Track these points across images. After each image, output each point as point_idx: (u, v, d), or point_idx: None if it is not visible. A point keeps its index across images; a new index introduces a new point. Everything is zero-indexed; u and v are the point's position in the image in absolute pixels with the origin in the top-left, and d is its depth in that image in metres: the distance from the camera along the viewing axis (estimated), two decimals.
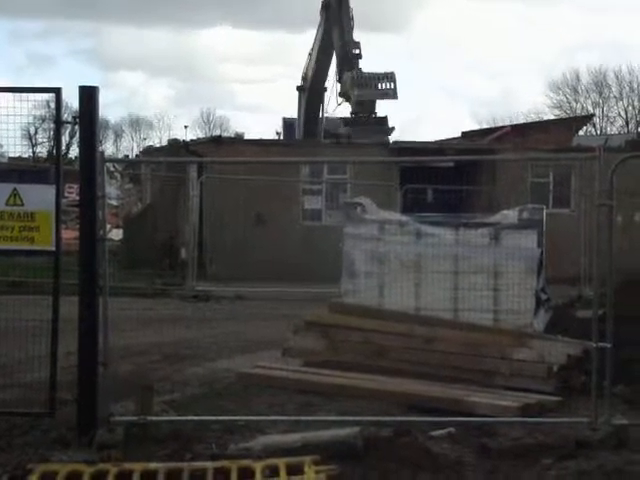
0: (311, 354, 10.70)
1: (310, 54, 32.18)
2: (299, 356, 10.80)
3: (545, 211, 12.24)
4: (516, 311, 11.42)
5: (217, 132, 65.51)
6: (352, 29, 29.42)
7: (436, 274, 11.80)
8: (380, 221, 12.30)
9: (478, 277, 11.87)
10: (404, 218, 12.67)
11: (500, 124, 45.77)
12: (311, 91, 31.34)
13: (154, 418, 7.93)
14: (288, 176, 23.64)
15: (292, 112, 34.03)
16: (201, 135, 68.05)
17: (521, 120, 56.40)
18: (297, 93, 32.56)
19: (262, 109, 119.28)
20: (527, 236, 11.81)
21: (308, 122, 30.65)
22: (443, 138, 30.46)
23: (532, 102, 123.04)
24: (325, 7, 30.71)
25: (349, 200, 16.34)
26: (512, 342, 10.05)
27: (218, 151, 23.50)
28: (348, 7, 29.85)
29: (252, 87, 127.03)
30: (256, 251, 23.39)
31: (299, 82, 32.88)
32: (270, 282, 20.74)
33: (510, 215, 12.14)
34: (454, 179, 22.86)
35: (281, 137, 36.78)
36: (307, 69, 32.06)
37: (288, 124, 34.68)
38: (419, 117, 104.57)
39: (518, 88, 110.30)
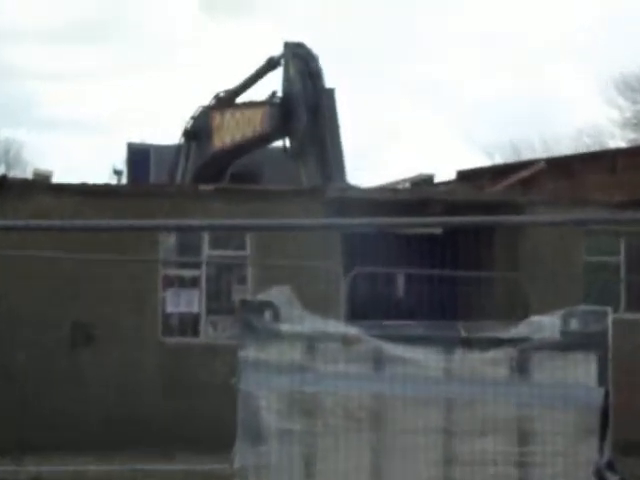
0: None
1: (211, 110, 22.05)
2: None
3: (611, 317, 8.77)
4: None
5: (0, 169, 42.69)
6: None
7: (411, 435, 8.45)
8: (308, 336, 8.79)
9: (488, 440, 8.45)
10: (352, 330, 9.00)
11: (525, 157, 33.47)
12: (219, 155, 22.21)
13: None
14: (137, 253, 16.77)
15: (142, 133, 25.74)
16: None
17: (565, 149, 38.52)
18: (181, 137, 22.65)
19: (84, 126, 69.06)
20: (579, 364, 8.40)
21: (199, 178, 21.59)
22: (415, 174, 22.44)
23: (583, 116, 72.49)
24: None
25: (250, 297, 12.21)
26: None
27: (1, 205, 16.80)
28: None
29: (61, 87, 73.42)
30: (78, 395, 16.24)
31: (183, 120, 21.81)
32: (103, 453, 14.71)
33: (546, 324, 8.62)
34: (443, 257, 16.69)
35: (123, 178, 25.60)
36: (213, 130, 22.06)
37: (135, 154, 24.98)
38: (373, 146, 67.59)
39: (555, 93, 67.31)
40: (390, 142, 72.78)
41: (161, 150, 23.33)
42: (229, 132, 21.37)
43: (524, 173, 21.05)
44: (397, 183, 21.82)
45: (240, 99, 22.09)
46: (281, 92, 20.06)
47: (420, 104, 73.31)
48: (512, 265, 17.54)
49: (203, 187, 17.95)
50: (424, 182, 21.34)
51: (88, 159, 67.47)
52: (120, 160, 26.50)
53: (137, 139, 25.69)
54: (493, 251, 17.82)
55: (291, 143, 19.92)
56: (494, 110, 68.33)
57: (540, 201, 17.54)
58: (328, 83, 19.90)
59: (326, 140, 19.01)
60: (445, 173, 22.74)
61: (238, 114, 21.23)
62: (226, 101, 21.99)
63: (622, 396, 8.90)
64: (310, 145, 19.14)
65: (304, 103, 19.24)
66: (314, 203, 16.62)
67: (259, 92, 21.55)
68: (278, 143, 21.26)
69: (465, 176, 21.78)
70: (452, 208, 17.16)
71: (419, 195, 18.80)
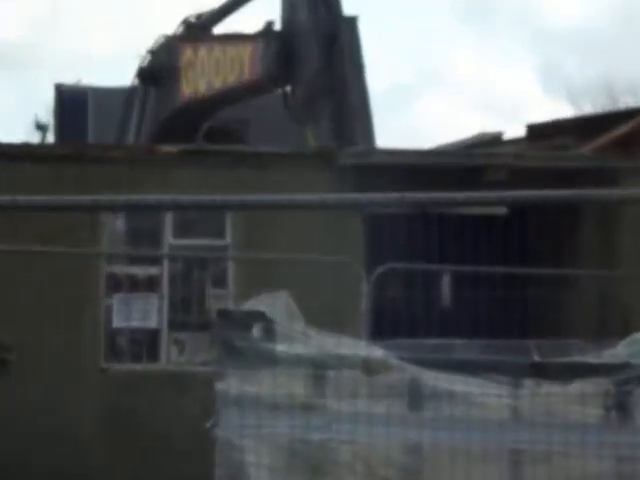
0: None
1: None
2: None
3: None
4: None
5: None
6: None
7: None
8: (314, 361, 7.42)
9: None
10: (378, 352, 7.52)
11: (624, 106, 27.23)
12: (190, 106, 17.32)
13: None
14: (70, 242, 13.33)
15: (76, 70, 20.12)
16: None
17: None
18: (135, 78, 17.90)
19: None
20: None
21: (161, 136, 16.94)
22: (475, 134, 18.32)
23: None
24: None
25: (232, 306, 10.56)
26: None
27: None
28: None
29: None
30: None
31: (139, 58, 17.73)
32: None
33: None
34: (507, 247, 13.34)
35: (49, 135, 21.34)
36: (181, 71, 17.19)
37: (67, 100, 18.82)
38: (409, 95, 57.63)
39: None
40: (433, 89, 55.34)
41: (104, 95, 18.55)
42: (204, 75, 16.54)
43: (623, 128, 16.20)
44: (448, 147, 18.14)
45: (219, 29, 17.35)
46: (280, 21, 15.34)
47: (475, 34, 53.74)
48: (606, 259, 14.14)
49: (165, 148, 14.10)
50: (487, 146, 17.32)
51: None
52: (45, 109, 22.40)
53: (70, 79, 20.35)
54: (579, 239, 14.52)
55: (294, 93, 15.39)
56: (582, 41, 50.03)
57: None
58: (347, 9, 14.97)
59: (346, 88, 14.78)
60: (513, 130, 18.18)
61: (217, 50, 16.41)
62: (200, 30, 17.37)
63: None
64: (323, 96, 14.91)
65: (314, 36, 14.73)
66: (323, 171, 13.17)
67: (248, 22, 16.67)
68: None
69: (539, 132, 16.93)
70: (520, 178, 12.89)
71: (473, 160, 14.90)
